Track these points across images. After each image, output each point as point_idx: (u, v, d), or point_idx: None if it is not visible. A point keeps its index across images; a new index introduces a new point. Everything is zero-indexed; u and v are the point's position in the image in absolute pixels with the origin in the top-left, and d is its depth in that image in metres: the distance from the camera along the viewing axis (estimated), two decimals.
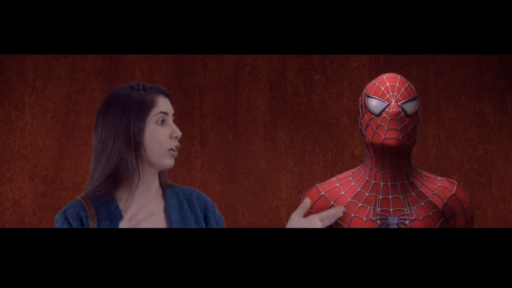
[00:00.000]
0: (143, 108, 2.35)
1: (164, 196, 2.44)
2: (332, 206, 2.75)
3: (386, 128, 2.65)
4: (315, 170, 4.34)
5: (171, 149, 2.37)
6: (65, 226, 2.33)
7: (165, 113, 2.38)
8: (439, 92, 4.36)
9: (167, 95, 2.42)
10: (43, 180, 4.27)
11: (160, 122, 2.37)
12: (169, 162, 2.37)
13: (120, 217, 2.34)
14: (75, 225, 2.33)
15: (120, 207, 2.37)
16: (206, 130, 4.34)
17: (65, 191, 4.28)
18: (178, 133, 2.38)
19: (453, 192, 2.77)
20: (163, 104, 2.38)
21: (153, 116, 2.36)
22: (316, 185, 2.80)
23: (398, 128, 2.64)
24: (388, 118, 2.64)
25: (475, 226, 4.29)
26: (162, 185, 2.46)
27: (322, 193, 2.77)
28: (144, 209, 2.22)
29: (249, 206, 4.32)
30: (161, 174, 2.45)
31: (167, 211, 2.42)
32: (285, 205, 4.33)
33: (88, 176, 4.27)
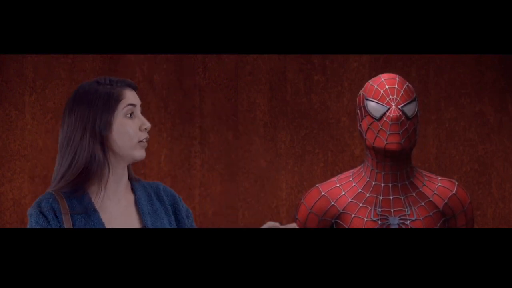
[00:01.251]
0: (111, 102, 2.35)
1: (133, 189, 2.45)
2: (333, 206, 2.75)
3: (388, 132, 2.64)
4: (315, 170, 4.34)
5: (141, 141, 2.37)
6: (41, 220, 2.34)
7: (133, 105, 2.37)
8: (439, 92, 4.36)
9: (134, 88, 2.41)
10: (43, 180, 4.27)
11: (129, 115, 2.37)
12: (139, 153, 2.38)
13: (94, 210, 2.35)
14: (50, 217, 2.33)
15: (92, 200, 2.37)
16: (206, 130, 4.34)
17: None
18: (147, 124, 2.38)
19: (454, 192, 2.77)
20: (131, 97, 2.38)
21: (121, 109, 2.36)
22: (317, 185, 2.80)
23: (400, 132, 2.63)
24: (389, 123, 2.63)
25: (475, 226, 4.29)
26: (130, 179, 2.46)
27: (323, 193, 2.77)
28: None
29: (249, 206, 4.32)
30: (129, 168, 2.46)
31: (138, 204, 2.42)
32: (285, 205, 4.33)
33: None
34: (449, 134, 4.35)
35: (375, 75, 4.34)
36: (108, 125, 2.35)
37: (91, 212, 2.34)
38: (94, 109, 2.35)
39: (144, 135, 2.38)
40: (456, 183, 2.79)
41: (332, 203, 2.74)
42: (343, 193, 2.75)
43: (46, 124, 4.28)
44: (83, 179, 2.35)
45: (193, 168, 4.32)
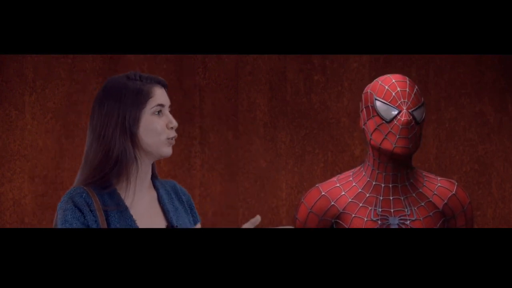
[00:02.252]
0: (140, 98, 2.34)
1: (155, 186, 2.45)
2: (333, 206, 2.75)
3: (398, 136, 2.62)
4: (315, 170, 4.34)
5: (169, 138, 2.37)
6: (77, 214, 2.28)
7: (162, 105, 2.37)
8: (439, 92, 4.36)
9: (164, 86, 2.41)
10: (43, 180, 4.27)
11: (157, 113, 2.37)
12: (167, 150, 2.37)
13: (125, 207, 2.34)
14: (86, 212, 2.29)
15: (122, 197, 2.36)
16: (206, 130, 4.34)
17: (65, 191, 4.27)
18: (174, 123, 2.38)
19: (453, 192, 2.77)
20: (160, 96, 2.38)
21: (150, 108, 2.36)
22: (317, 185, 2.80)
23: (409, 137, 2.62)
24: (400, 127, 2.61)
25: (475, 226, 4.29)
26: (152, 176, 2.46)
27: (323, 193, 2.76)
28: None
29: (249, 206, 4.32)
30: (153, 165, 2.46)
31: (160, 201, 2.43)
32: (285, 205, 4.33)
33: None
34: (449, 134, 4.35)
35: (375, 75, 4.34)
36: (136, 121, 2.34)
37: (123, 208, 2.33)
38: (124, 104, 2.34)
39: (172, 133, 2.37)
40: (456, 183, 2.79)
41: (332, 203, 2.74)
42: (343, 193, 2.75)
43: (46, 124, 4.28)
44: (113, 174, 2.34)
45: (193, 168, 4.32)
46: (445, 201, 2.75)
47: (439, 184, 2.76)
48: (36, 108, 4.28)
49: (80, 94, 4.30)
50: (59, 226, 2.30)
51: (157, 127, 2.35)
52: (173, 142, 2.39)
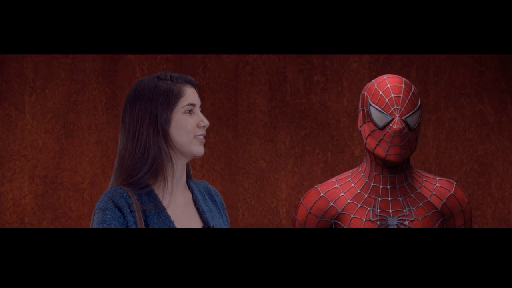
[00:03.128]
0: (171, 98, 2.35)
1: (189, 187, 2.46)
2: (332, 207, 2.75)
3: (390, 144, 2.62)
4: (315, 171, 4.34)
5: (198, 136, 2.37)
6: (117, 215, 2.28)
7: (193, 105, 2.38)
8: (439, 92, 4.36)
9: (194, 85, 2.42)
10: (43, 180, 4.27)
11: (188, 112, 2.37)
12: (199, 149, 2.38)
13: (162, 207, 2.34)
14: (126, 212, 2.29)
15: (159, 197, 2.37)
16: (206, 130, 4.34)
17: (65, 191, 4.28)
18: (206, 122, 2.38)
19: (452, 192, 2.77)
20: (191, 95, 2.38)
21: (181, 107, 2.36)
22: (316, 186, 2.80)
23: (401, 144, 2.62)
24: (392, 134, 2.61)
25: (475, 226, 4.29)
26: (186, 176, 2.47)
27: (322, 194, 2.76)
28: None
29: (249, 206, 4.33)
30: (188, 165, 2.47)
31: (196, 202, 2.43)
32: (285, 206, 4.34)
33: (88, 176, 4.28)
34: (449, 134, 4.35)
35: (375, 75, 4.34)
36: (167, 120, 2.34)
37: (161, 209, 2.34)
38: (155, 104, 2.35)
39: (201, 131, 2.38)
40: (454, 183, 2.79)
41: (331, 203, 2.74)
42: (342, 194, 2.75)
43: (46, 124, 4.28)
44: (150, 174, 2.34)
45: (193, 168, 4.32)
46: (444, 201, 2.75)
47: (437, 184, 2.76)
48: (36, 108, 4.28)
49: (80, 94, 4.30)
50: (95, 226, 2.29)
51: (188, 125, 2.36)
52: (203, 140, 2.39)
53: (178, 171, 2.39)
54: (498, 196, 4.34)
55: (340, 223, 2.73)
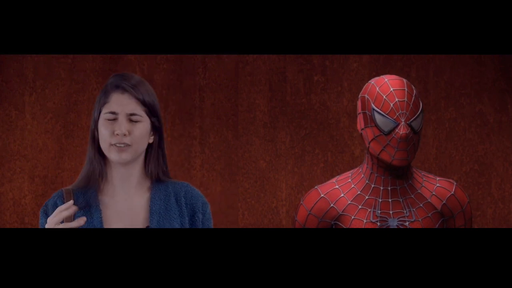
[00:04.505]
0: (97, 106, 2.43)
1: (151, 188, 2.47)
2: (332, 208, 2.75)
3: (396, 149, 2.61)
4: (315, 171, 4.34)
5: (112, 144, 2.39)
6: (43, 220, 2.44)
7: (113, 113, 2.40)
8: (439, 92, 4.36)
9: (126, 90, 2.41)
10: (43, 180, 4.27)
11: (109, 120, 2.40)
12: (114, 156, 2.40)
13: (96, 206, 2.40)
14: (51, 213, 2.42)
15: (100, 197, 2.43)
16: (206, 130, 4.34)
17: None
18: (121, 130, 2.39)
19: (452, 192, 2.76)
20: (115, 103, 2.41)
21: (103, 113, 2.42)
22: (316, 187, 2.79)
23: (407, 149, 2.62)
24: (398, 140, 2.60)
25: (475, 226, 4.29)
26: (152, 179, 2.48)
27: (322, 195, 2.76)
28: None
29: (249, 206, 4.33)
30: (152, 169, 2.47)
31: (150, 202, 2.44)
32: (285, 206, 4.34)
33: None
34: (449, 134, 4.35)
35: (375, 75, 4.34)
36: (95, 126, 2.45)
37: (93, 208, 2.40)
38: (93, 111, 2.47)
39: (116, 139, 2.39)
40: (455, 183, 2.79)
41: (332, 204, 2.74)
42: (342, 195, 2.75)
43: (46, 124, 4.28)
44: (87, 177, 2.45)
45: (193, 168, 4.32)
46: (444, 202, 2.75)
47: (437, 185, 2.76)
48: (36, 108, 4.28)
49: (80, 94, 4.30)
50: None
51: (104, 133, 2.41)
52: (122, 148, 2.40)
53: (120, 173, 2.44)
54: (498, 196, 4.34)
55: (340, 224, 2.73)
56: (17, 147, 4.28)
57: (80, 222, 2.27)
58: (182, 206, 2.48)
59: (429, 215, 2.73)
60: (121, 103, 2.40)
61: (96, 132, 2.44)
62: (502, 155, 4.34)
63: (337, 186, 2.77)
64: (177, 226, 2.43)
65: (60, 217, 2.28)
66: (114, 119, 2.39)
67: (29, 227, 4.24)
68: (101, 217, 2.40)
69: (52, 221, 2.29)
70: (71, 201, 2.28)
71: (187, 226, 2.46)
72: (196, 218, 2.48)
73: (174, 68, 4.34)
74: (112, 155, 2.40)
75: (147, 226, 2.41)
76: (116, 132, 2.39)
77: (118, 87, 2.40)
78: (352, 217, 2.72)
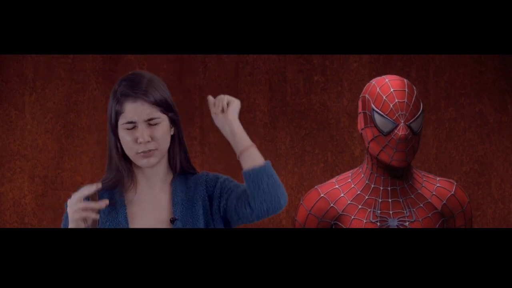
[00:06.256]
0: (112, 118, 2.41)
1: (172, 182, 2.47)
2: (332, 208, 2.75)
3: (395, 150, 2.61)
4: (315, 171, 4.34)
5: (139, 153, 2.40)
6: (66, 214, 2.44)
7: (132, 122, 2.39)
8: (439, 92, 4.36)
9: (138, 97, 2.40)
10: (43, 180, 4.27)
11: (128, 129, 2.40)
12: (142, 163, 2.41)
13: (120, 203, 2.41)
14: None
15: (124, 193, 2.44)
16: (206, 130, 4.34)
17: (65, 191, 4.28)
18: (141, 139, 2.39)
19: (452, 192, 2.76)
20: (130, 112, 2.39)
21: (121, 124, 2.41)
22: (316, 186, 2.79)
23: (406, 150, 2.61)
24: (397, 141, 2.60)
25: (475, 226, 4.29)
26: (176, 171, 2.49)
27: (322, 195, 2.76)
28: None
29: None
30: (176, 161, 2.49)
31: (173, 194, 2.45)
32: (285, 206, 4.33)
33: (88, 176, 4.28)
34: (449, 134, 4.35)
35: (375, 75, 4.33)
36: (116, 136, 2.43)
37: (118, 205, 2.42)
38: (108, 121, 2.45)
39: (141, 148, 2.39)
40: (455, 183, 2.78)
41: (332, 204, 2.74)
42: (342, 195, 2.74)
43: (46, 124, 4.28)
44: (114, 178, 2.45)
45: None
46: (444, 202, 2.75)
47: (438, 185, 2.76)
48: (36, 108, 4.28)
49: (80, 94, 4.30)
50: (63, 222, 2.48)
51: (127, 143, 2.40)
52: (148, 154, 2.40)
53: (143, 174, 2.46)
54: (498, 196, 4.34)
55: (340, 224, 2.73)
56: (17, 147, 4.28)
57: (102, 204, 2.28)
58: (203, 193, 2.49)
59: (429, 215, 2.72)
60: (136, 111, 2.39)
61: (118, 142, 2.42)
62: (502, 155, 4.34)
63: (337, 186, 2.76)
64: (200, 215, 2.44)
65: (83, 192, 2.28)
66: (134, 127, 2.39)
67: (29, 227, 4.23)
68: (126, 213, 2.41)
69: (75, 198, 2.31)
70: (98, 184, 2.30)
71: (210, 213, 2.47)
72: (215, 197, 2.49)
73: (174, 68, 4.34)
74: (140, 162, 2.41)
75: (173, 218, 2.41)
76: (139, 141, 2.39)
77: (128, 96, 2.40)
78: (352, 217, 2.72)
